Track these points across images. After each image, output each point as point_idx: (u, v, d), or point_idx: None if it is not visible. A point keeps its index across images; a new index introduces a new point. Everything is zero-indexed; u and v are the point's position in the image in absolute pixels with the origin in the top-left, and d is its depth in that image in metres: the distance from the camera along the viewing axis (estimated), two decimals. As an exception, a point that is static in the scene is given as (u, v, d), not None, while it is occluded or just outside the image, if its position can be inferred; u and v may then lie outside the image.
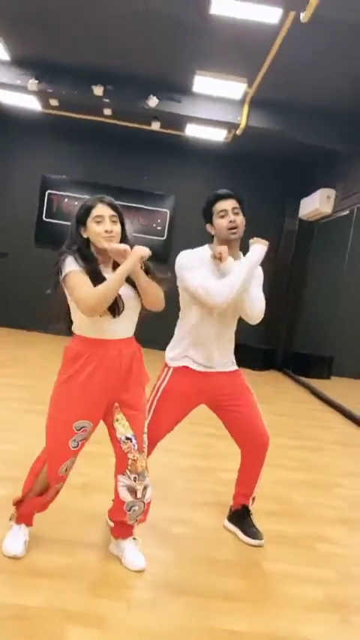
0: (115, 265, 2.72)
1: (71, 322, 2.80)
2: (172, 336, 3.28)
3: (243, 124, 8.31)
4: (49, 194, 11.10)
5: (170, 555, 3.08)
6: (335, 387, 9.41)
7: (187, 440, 4.93)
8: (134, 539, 2.96)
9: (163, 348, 3.29)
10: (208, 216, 3.15)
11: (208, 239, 3.23)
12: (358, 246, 9.60)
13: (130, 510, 2.82)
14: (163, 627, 2.43)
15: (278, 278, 11.06)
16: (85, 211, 2.71)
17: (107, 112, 8.95)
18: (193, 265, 3.06)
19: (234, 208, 3.10)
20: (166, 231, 11.21)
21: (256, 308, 3.15)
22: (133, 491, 2.80)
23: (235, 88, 7.72)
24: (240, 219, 3.11)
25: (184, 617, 2.53)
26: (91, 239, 2.71)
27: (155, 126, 9.07)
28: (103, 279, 2.63)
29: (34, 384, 6.52)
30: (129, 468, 2.79)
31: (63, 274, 2.62)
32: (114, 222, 2.70)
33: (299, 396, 8.84)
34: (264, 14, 5.59)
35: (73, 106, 9.09)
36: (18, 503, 2.91)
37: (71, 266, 2.62)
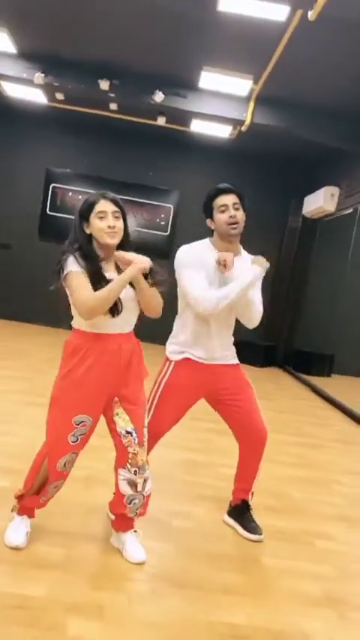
0: (116, 263, 2.76)
1: (72, 317, 2.83)
2: (171, 331, 3.30)
3: (248, 121, 8.31)
4: (54, 187, 11.11)
5: (170, 548, 3.11)
6: (336, 385, 9.43)
7: (186, 435, 4.95)
8: (135, 531, 2.99)
9: (163, 343, 3.31)
10: (209, 211, 3.16)
11: (210, 235, 3.25)
12: (362, 244, 9.62)
13: (130, 503, 2.85)
14: (162, 619, 2.46)
15: (281, 275, 11.08)
16: (88, 207, 2.73)
17: (113, 106, 8.95)
18: (190, 264, 3.08)
19: (234, 203, 3.11)
20: (169, 226, 11.23)
21: (253, 316, 3.20)
22: (133, 484, 2.83)
23: (241, 85, 7.70)
24: (240, 215, 3.12)
25: (183, 610, 2.55)
26: (93, 235, 2.74)
27: (161, 121, 9.06)
28: (104, 278, 2.66)
29: (35, 376, 6.54)
30: (129, 461, 2.81)
31: (64, 273, 2.66)
32: (117, 217, 2.73)
33: (300, 393, 8.86)
34: (271, 12, 5.59)
35: (78, 100, 9.09)
36: (19, 497, 2.94)
37: (72, 266, 2.65)
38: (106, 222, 2.69)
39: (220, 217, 3.10)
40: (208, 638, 2.39)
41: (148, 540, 3.04)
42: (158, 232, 11.14)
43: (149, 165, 11.16)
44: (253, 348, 10.08)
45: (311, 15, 5.26)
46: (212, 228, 3.18)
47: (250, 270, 3.03)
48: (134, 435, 2.82)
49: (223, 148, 10.43)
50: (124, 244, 2.79)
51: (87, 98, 8.82)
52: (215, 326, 3.17)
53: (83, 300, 2.60)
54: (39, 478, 2.87)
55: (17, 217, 11.11)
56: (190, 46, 6.96)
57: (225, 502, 3.58)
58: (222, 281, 3.08)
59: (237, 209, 3.11)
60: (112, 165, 11.00)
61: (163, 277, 2.75)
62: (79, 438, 2.77)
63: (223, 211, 3.10)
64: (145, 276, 2.71)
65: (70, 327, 2.84)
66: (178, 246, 3.19)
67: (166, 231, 11.20)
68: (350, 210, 9.15)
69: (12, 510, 2.95)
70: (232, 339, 3.32)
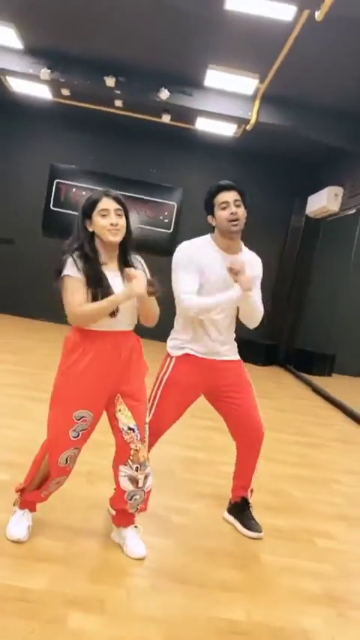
0: (119, 261, 2.82)
1: None
2: (171, 328, 3.31)
3: (253, 120, 8.32)
4: (58, 183, 11.12)
5: (170, 544, 3.13)
6: (337, 385, 9.45)
7: (186, 432, 4.97)
8: (135, 527, 3.00)
9: (163, 340, 3.32)
10: (210, 208, 3.17)
11: (211, 231, 3.26)
12: (365, 245, 9.63)
13: (131, 499, 2.87)
14: (162, 614, 2.47)
15: (283, 274, 11.09)
16: (91, 205, 2.75)
17: (118, 103, 8.98)
18: (184, 266, 3.10)
19: (235, 200, 3.11)
20: (172, 223, 11.24)
21: (255, 317, 3.22)
22: (134, 480, 2.84)
23: (246, 84, 7.71)
24: (241, 212, 3.12)
25: (183, 605, 2.57)
26: (96, 232, 2.76)
27: (166, 118, 9.08)
28: (104, 278, 2.70)
29: (38, 372, 6.56)
30: (131, 458, 2.83)
31: (61, 275, 2.70)
32: (119, 215, 2.75)
33: (301, 393, 8.87)
34: (278, 11, 5.60)
35: (84, 96, 9.11)
36: (21, 491, 2.95)
37: (69, 270, 2.69)
38: (108, 220, 2.72)
39: (221, 214, 3.11)
40: (207, 633, 2.40)
41: (148, 536, 3.05)
42: (161, 230, 11.15)
43: (153, 162, 11.17)
44: (255, 346, 10.09)
45: (318, 15, 5.27)
46: (213, 224, 3.19)
47: (234, 290, 3.03)
48: (136, 431, 2.83)
49: (227, 146, 10.44)
50: (127, 242, 2.82)
51: (92, 94, 8.85)
52: (215, 326, 3.18)
53: (71, 308, 2.69)
54: (40, 473, 2.88)
55: (21, 212, 11.12)
56: (196, 44, 6.96)
57: (224, 499, 3.60)
58: (224, 279, 3.09)
59: (238, 206, 3.12)
60: (116, 162, 11.01)
61: (159, 293, 2.77)
62: (80, 433, 2.79)
63: (224, 208, 3.11)
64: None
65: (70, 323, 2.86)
66: None
67: (169, 229, 11.20)
68: (354, 211, 9.15)
69: (14, 504, 2.97)
70: (234, 334, 3.33)
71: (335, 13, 5.22)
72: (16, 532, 2.85)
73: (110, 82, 7.99)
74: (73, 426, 2.76)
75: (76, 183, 11.10)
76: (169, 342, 3.28)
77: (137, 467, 2.83)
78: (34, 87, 8.95)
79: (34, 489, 2.90)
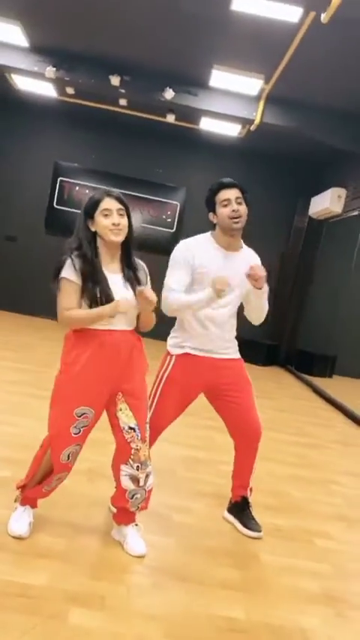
0: (121, 261, 2.85)
1: None
2: (171, 327, 3.33)
3: (258, 120, 8.33)
4: (61, 181, 11.14)
5: (171, 542, 3.14)
6: (337, 386, 9.47)
7: (187, 431, 4.99)
8: (136, 525, 3.02)
9: (163, 339, 3.33)
10: (211, 205, 3.19)
11: (212, 229, 3.28)
12: (367, 246, 9.64)
13: (132, 498, 2.89)
14: (162, 611, 2.49)
15: (285, 274, 11.10)
16: (93, 205, 2.77)
17: (123, 102, 8.98)
18: (177, 263, 3.14)
19: (237, 198, 3.13)
20: (175, 223, 11.25)
21: (261, 316, 3.31)
22: (135, 479, 2.86)
23: (251, 84, 7.73)
24: (243, 209, 3.14)
25: (183, 603, 2.58)
26: (98, 232, 2.78)
27: (170, 118, 9.09)
28: (102, 279, 2.73)
29: (39, 369, 6.58)
30: (132, 457, 2.85)
31: (59, 277, 2.74)
32: (121, 215, 2.77)
33: (301, 393, 8.88)
34: (284, 13, 5.62)
35: (89, 94, 9.13)
36: (22, 487, 2.97)
37: (66, 272, 2.72)
38: (110, 220, 2.74)
39: (223, 211, 3.13)
40: (207, 631, 2.42)
41: (149, 534, 3.07)
42: (164, 229, 11.17)
43: (157, 161, 11.18)
44: (256, 346, 10.11)
45: (324, 17, 5.28)
46: (215, 222, 3.21)
47: (206, 292, 3.03)
48: (137, 430, 2.85)
49: (231, 146, 10.46)
50: (129, 242, 2.84)
51: (97, 93, 8.87)
52: (215, 323, 3.20)
53: (59, 311, 2.77)
54: (41, 469, 2.90)
55: (24, 210, 11.14)
56: (201, 44, 6.97)
57: (224, 499, 3.61)
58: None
59: (239, 203, 3.13)
60: (120, 161, 11.03)
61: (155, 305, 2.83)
62: (82, 429, 2.81)
63: (225, 205, 3.12)
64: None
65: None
66: None
67: (172, 228, 11.22)
68: (356, 212, 9.15)
69: (15, 501, 2.98)
70: (234, 332, 3.34)
71: (341, 14, 5.23)
72: (18, 528, 2.86)
73: (115, 80, 8.00)
74: (74, 422, 2.77)
75: (79, 182, 11.12)
76: (170, 341, 3.30)
77: (138, 466, 2.85)
78: (39, 85, 8.97)
79: (35, 485, 2.92)
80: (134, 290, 2.80)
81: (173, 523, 3.38)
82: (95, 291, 2.70)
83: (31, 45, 7.94)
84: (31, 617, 2.28)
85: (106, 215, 2.74)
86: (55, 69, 7.99)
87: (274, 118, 8.39)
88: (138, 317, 2.91)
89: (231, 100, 8.31)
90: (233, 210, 3.10)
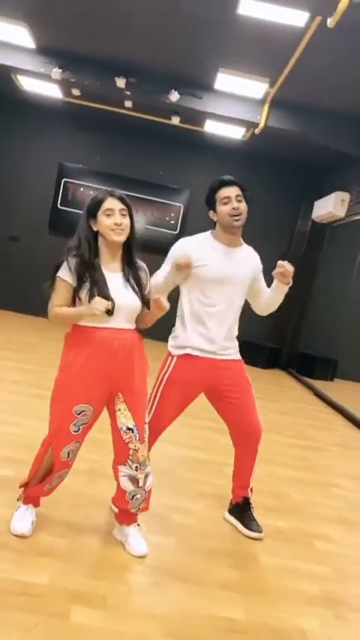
0: (123, 261, 2.87)
1: None
2: (171, 327, 3.34)
3: (262, 124, 8.35)
4: (65, 182, 11.16)
5: (171, 543, 3.16)
6: (339, 390, 9.48)
7: (188, 432, 5.01)
8: (137, 525, 3.04)
9: (164, 339, 3.36)
10: (212, 203, 3.21)
11: (212, 227, 3.31)
12: (370, 250, 9.66)
13: (132, 499, 2.91)
14: (162, 611, 2.51)
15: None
16: (96, 204, 2.79)
17: (128, 104, 9.01)
18: (170, 259, 3.17)
19: (237, 195, 3.15)
20: (178, 225, 11.27)
21: (271, 309, 3.49)
22: (134, 480, 2.88)
23: (256, 88, 7.75)
24: (243, 207, 3.16)
25: (183, 603, 2.60)
26: (100, 232, 2.80)
27: (175, 120, 9.12)
28: (101, 279, 2.75)
29: (42, 369, 6.59)
30: (130, 457, 2.86)
31: (55, 275, 2.78)
32: (123, 215, 2.79)
33: (302, 396, 8.89)
34: (290, 17, 5.63)
35: (94, 96, 9.16)
36: (24, 486, 2.99)
37: (61, 271, 2.76)
38: (113, 220, 2.76)
39: (223, 209, 3.15)
40: (207, 631, 2.44)
41: (149, 534, 3.09)
42: (167, 231, 11.18)
43: (161, 163, 11.21)
44: (258, 349, 10.13)
45: (330, 22, 5.29)
46: (215, 220, 3.23)
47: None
48: (135, 431, 2.87)
49: (235, 149, 10.48)
50: (131, 242, 2.86)
51: (103, 95, 8.90)
52: (215, 321, 3.22)
53: (49, 308, 2.80)
54: (42, 468, 2.92)
55: (28, 210, 11.17)
56: (207, 47, 7.00)
57: (225, 500, 3.63)
58: (221, 274, 3.16)
59: (240, 201, 3.16)
60: (124, 162, 11.05)
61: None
62: (81, 427, 2.82)
63: (225, 203, 3.15)
64: (147, 303, 2.85)
65: None
66: None
67: (176, 230, 11.23)
68: (360, 217, 9.19)
69: (18, 499, 3.00)
70: (236, 332, 3.36)
71: (347, 20, 5.24)
72: (20, 527, 2.88)
73: (121, 82, 8.03)
74: (73, 420, 2.79)
75: (83, 183, 11.14)
76: (170, 341, 3.32)
77: (137, 466, 2.87)
78: (45, 86, 9.00)
79: (37, 483, 2.94)
80: (134, 290, 2.82)
81: (173, 523, 3.40)
82: (93, 290, 2.72)
83: (37, 46, 7.97)
84: (33, 616, 2.30)
85: (108, 215, 2.76)
86: (61, 70, 8.02)
87: (278, 122, 8.41)
88: (139, 316, 2.93)
89: (236, 103, 8.33)
90: (233, 208, 3.13)
